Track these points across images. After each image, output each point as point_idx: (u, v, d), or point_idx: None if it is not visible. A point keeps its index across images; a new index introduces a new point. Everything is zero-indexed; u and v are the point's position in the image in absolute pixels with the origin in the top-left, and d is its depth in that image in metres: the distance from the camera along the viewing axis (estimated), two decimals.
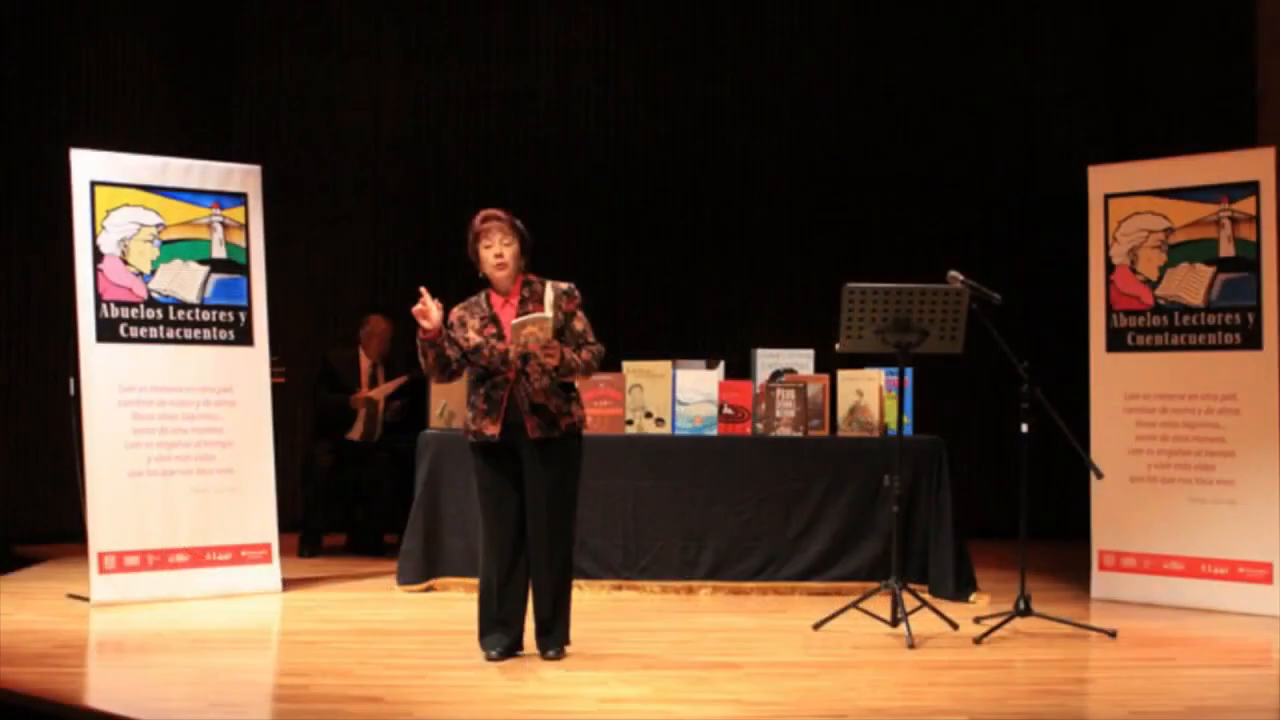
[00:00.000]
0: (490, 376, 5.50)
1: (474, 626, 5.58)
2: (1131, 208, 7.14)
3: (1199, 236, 6.95)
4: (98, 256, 6.76)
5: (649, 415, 7.26)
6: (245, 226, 7.17)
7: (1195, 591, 6.80)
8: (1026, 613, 6.10)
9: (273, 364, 7.29)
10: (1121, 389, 7.10)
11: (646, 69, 9.84)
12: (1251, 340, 6.77)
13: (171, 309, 6.93)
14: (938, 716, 4.84)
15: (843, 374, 7.24)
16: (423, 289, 5.47)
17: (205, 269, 7.04)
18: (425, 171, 9.72)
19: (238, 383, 7.06)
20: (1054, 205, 8.93)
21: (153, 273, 6.90)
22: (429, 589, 7.06)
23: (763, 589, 7.06)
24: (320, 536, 8.34)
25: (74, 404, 6.77)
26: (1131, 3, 9.42)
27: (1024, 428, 6.12)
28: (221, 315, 7.07)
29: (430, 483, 7.08)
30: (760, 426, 7.21)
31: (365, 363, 8.63)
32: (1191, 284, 6.95)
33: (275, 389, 7.30)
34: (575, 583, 5.79)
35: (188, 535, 6.87)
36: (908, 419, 6.90)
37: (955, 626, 6.10)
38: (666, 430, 7.25)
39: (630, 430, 7.24)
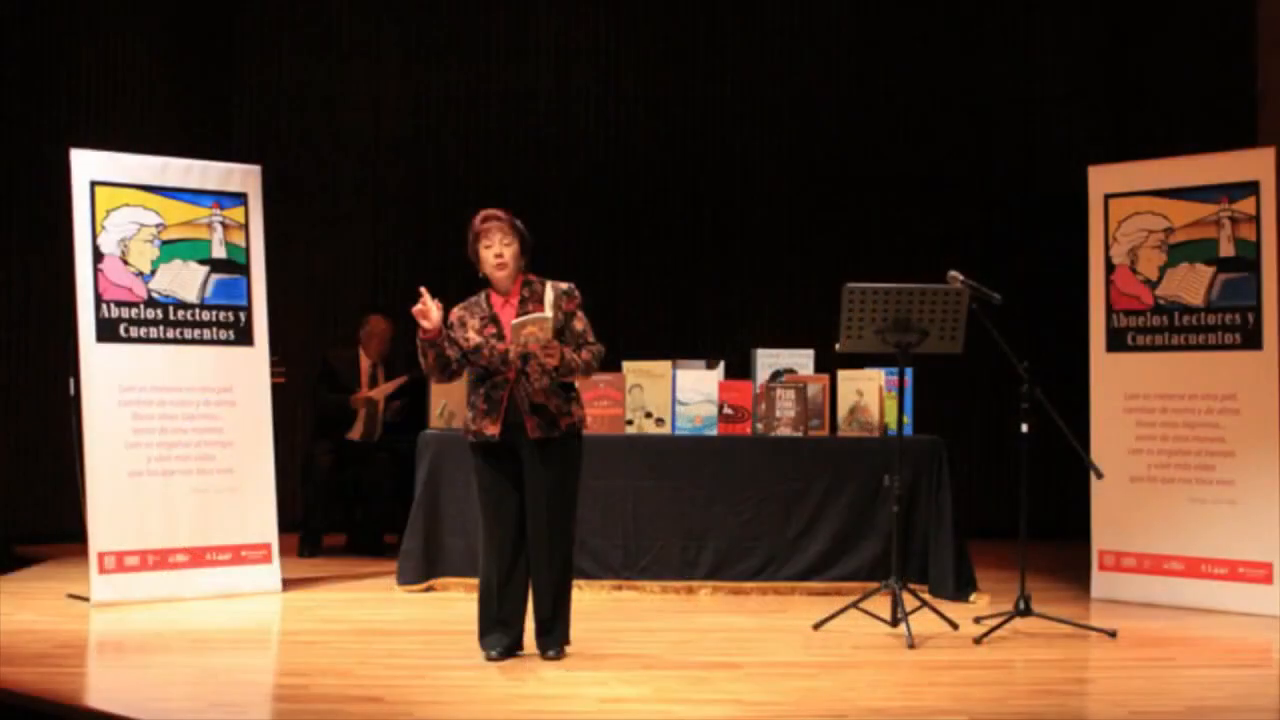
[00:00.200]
0: (490, 376, 5.50)
1: (474, 626, 5.58)
2: (1131, 208, 7.14)
3: (1199, 236, 6.95)
4: (98, 256, 6.76)
5: (649, 415, 7.26)
6: (245, 226, 7.17)
7: (1195, 591, 6.80)
8: (1026, 613, 6.10)
9: (273, 364, 7.29)
10: (1121, 389, 7.10)
11: (646, 69, 9.84)
12: (1251, 340, 6.77)
13: (171, 309, 6.93)
14: (938, 716, 4.84)
15: (843, 374, 7.24)
16: (423, 289, 5.47)
17: (205, 269, 7.04)
18: (425, 171, 9.72)
19: (238, 383, 7.06)
20: (1054, 205, 8.93)
21: (153, 273, 6.90)
22: (429, 589, 7.06)
23: (763, 589, 7.06)
24: (320, 536, 8.34)
25: (74, 404, 6.77)
26: (1131, 3, 9.42)
27: (1024, 428, 6.12)
28: (221, 315, 7.07)
29: (430, 483, 7.08)
30: (760, 426, 7.21)
31: (365, 363, 8.63)
32: (1191, 284, 6.95)
33: (275, 389, 7.30)
34: (575, 583, 5.79)
35: (188, 535, 6.87)
36: (908, 419, 6.90)
37: (955, 626, 6.10)
38: (666, 430, 7.25)
39: (630, 430, 7.24)
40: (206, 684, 5.21)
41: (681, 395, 7.24)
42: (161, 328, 6.89)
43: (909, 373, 6.37)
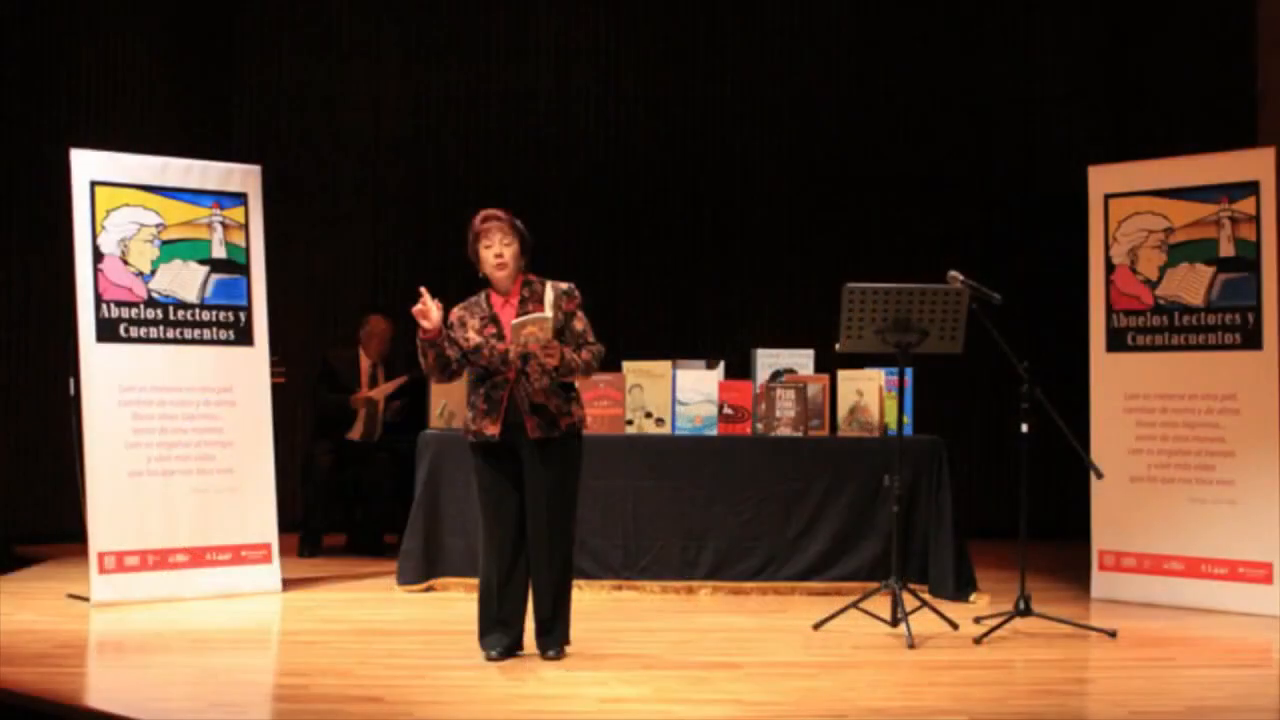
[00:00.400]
0: (490, 376, 5.50)
1: (474, 626, 5.58)
2: (1131, 208, 7.14)
3: (1199, 236, 6.95)
4: (98, 256, 6.76)
5: (649, 415, 7.26)
6: (245, 226, 7.17)
7: (1195, 591, 6.80)
8: (1026, 613, 6.10)
9: (273, 364, 7.29)
10: (1121, 389, 7.10)
11: (646, 69, 9.84)
12: (1251, 340, 6.77)
13: (171, 309, 6.93)
14: (938, 716, 4.84)
15: (843, 374, 7.24)
16: (423, 289, 5.47)
17: (205, 269, 7.04)
18: (425, 171, 9.72)
19: (238, 383, 7.06)
20: (1054, 205, 8.93)
21: (153, 273, 6.90)
22: (429, 589, 7.06)
23: (763, 589, 7.06)
24: (320, 536, 8.34)
25: (74, 404, 6.77)
26: (1131, 3, 9.42)
27: (1024, 428, 6.12)
28: (221, 315, 7.07)
29: (430, 483, 7.08)
30: (760, 426, 7.21)
31: (365, 363, 8.63)
32: (1191, 284, 6.95)
33: (275, 389, 7.30)
34: (575, 583, 5.79)
35: (188, 535, 6.87)
36: (908, 419, 6.90)
37: (955, 626, 6.10)
38: (666, 430, 7.25)
39: (630, 430, 7.24)
40: (206, 684, 5.21)
41: (681, 395, 7.24)
42: (161, 328, 6.89)
43: (909, 373, 6.37)
